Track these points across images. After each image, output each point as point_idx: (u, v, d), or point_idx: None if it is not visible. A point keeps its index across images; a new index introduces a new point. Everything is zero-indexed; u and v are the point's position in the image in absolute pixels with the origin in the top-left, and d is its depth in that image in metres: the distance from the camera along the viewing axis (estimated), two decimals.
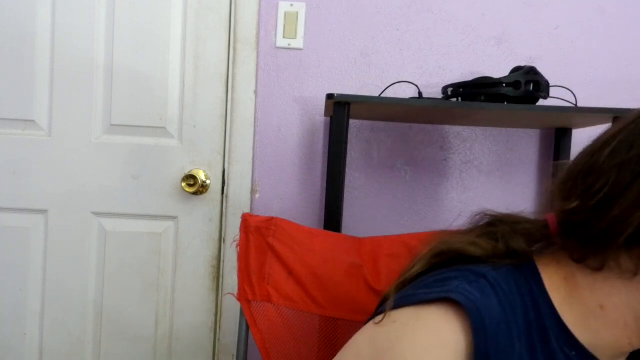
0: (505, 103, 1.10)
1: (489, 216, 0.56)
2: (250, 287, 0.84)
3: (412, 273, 0.53)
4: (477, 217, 0.56)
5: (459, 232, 0.56)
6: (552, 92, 1.19)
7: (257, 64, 1.36)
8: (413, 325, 0.46)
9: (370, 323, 0.50)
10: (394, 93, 1.33)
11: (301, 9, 1.35)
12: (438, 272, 0.52)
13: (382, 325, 0.48)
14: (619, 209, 0.44)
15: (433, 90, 1.35)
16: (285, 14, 1.35)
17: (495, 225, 0.54)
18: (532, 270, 0.50)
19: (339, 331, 0.83)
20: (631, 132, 0.46)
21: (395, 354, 0.44)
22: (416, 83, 1.34)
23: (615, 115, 1.08)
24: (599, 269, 0.46)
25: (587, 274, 0.48)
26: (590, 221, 0.46)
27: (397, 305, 0.49)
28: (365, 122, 1.37)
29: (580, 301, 0.48)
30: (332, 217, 1.07)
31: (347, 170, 1.37)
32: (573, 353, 0.47)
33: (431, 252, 0.55)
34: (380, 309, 0.51)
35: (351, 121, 1.37)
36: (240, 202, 1.36)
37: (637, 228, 0.43)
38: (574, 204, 0.47)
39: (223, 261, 1.38)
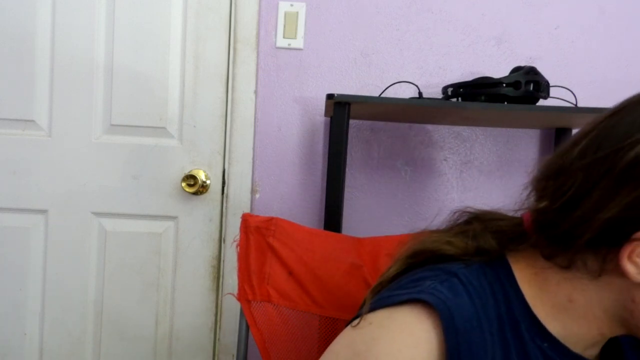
0: (505, 103, 1.10)
1: (468, 214, 0.56)
2: (250, 287, 0.84)
3: (389, 275, 0.54)
4: (456, 214, 0.57)
5: (437, 231, 0.57)
6: (552, 92, 1.19)
7: (257, 64, 1.36)
8: (388, 326, 0.47)
9: (348, 327, 0.51)
10: (394, 93, 1.33)
11: (301, 9, 1.35)
12: (412, 272, 0.53)
13: (359, 328, 0.49)
14: (581, 210, 0.44)
15: (433, 90, 1.35)
16: (285, 14, 1.35)
17: (471, 223, 0.55)
18: (504, 265, 0.51)
19: (338, 331, 0.83)
20: (599, 132, 0.45)
21: (371, 355, 0.45)
22: (416, 83, 1.34)
23: None
24: (566, 267, 0.47)
25: (556, 271, 0.48)
26: (556, 221, 0.46)
27: (373, 308, 0.50)
28: (365, 122, 1.37)
29: (550, 295, 0.48)
30: (332, 217, 1.07)
31: (347, 170, 1.37)
32: (545, 344, 0.48)
33: (407, 252, 0.55)
34: (358, 313, 0.52)
35: (351, 121, 1.37)
36: (240, 202, 1.36)
37: (598, 230, 0.43)
38: (544, 204, 0.48)
39: (223, 261, 1.38)
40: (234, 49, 1.35)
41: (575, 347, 0.49)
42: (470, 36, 1.35)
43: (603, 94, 1.36)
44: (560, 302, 0.48)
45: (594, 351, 0.51)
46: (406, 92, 1.33)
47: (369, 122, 1.37)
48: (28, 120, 1.35)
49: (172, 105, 1.36)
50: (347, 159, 1.36)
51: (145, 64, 1.35)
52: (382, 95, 1.22)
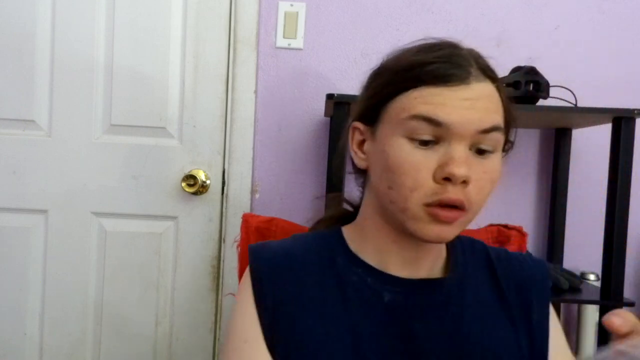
0: None
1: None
2: None
3: None
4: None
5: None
6: (552, 92, 1.19)
7: (257, 64, 1.36)
8: (239, 289, 0.60)
9: None
10: None
11: (301, 9, 1.35)
12: None
13: None
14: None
15: None
16: (285, 14, 1.35)
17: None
18: (337, 230, 0.63)
19: None
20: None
21: (230, 326, 0.58)
22: None
23: (615, 115, 1.08)
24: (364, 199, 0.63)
25: (364, 210, 0.61)
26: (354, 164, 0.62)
27: None
28: None
29: (363, 234, 0.60)
30: None
31: (347, 170, 1.37)
32: (359, 270, 0.58)
33: None
34: None
35: None
36: (240, 202, 1.36)
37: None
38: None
39: (223, 261, 1.38)
40: (234, 49, 1.35)
41: (393, 269, 0.57)
42: (470, 36, 1.35)
43: (603, 94, 1.36)
44: (364, 231, 0.60)
45: (420, 272, 0.58)
46: None
47: None
48: (28, 120, 1.35)
49: (172, 105, 1.36)
50: (347, 159, 1.36)
51: (145, 64, 1.35)
52: None
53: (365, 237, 0.60)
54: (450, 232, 0.51)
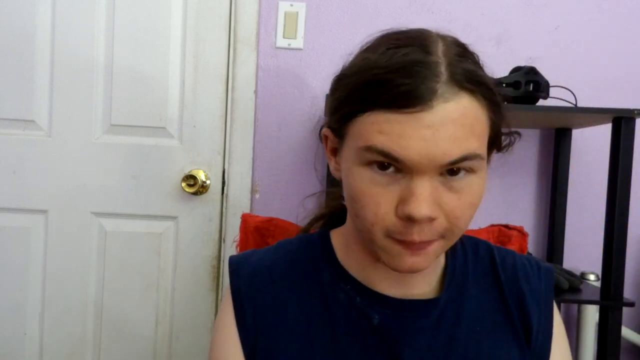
0: (505, 103, 1.09)
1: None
2: None
3: None
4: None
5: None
6: (552, 92, 1.19)
7: (257, 64, 1.36)
8: (224, 299, 0.58)
9: None
10: None
11: (301, 9, 1.35)
12: None
13: None
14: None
15: None
16: (285, 14, 1.35)
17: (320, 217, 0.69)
18: (324, 234, 0.60)
19: None
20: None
21: (212, 347, 0.56)
22: None
23: (615, 115, 1.08)
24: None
25: (346, 230, 0.58)
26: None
27: None
28: None
29: (350, 247, 0.56)
30: None
31: None
32: (348, 287, 0.55)
33: None
34: None
35: None
36: (240, 202, 1.36)
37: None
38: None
39: (223, 261, 1.38)
40: (234, 49, 1.35)
41: (381, 287, 0.54)
42: (470, 36, 1.35)
43: (603, 94, 1.36)
44: (349, 242, 0.56)
45: (414, 290, 0.55)
46: None
47: None
48: (28, 120, 1.35)
49: (172, 105, 1.36)
50: None
51: (145, 64, 1.35)
52: None
53: (350, 250, 0.56)
54: (425, 261, 0.46)
